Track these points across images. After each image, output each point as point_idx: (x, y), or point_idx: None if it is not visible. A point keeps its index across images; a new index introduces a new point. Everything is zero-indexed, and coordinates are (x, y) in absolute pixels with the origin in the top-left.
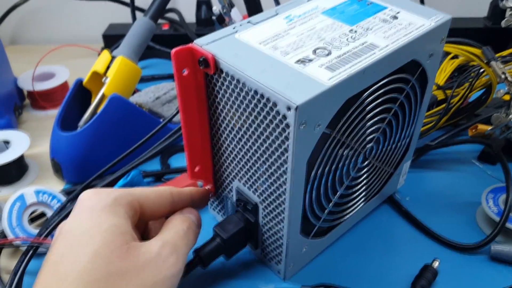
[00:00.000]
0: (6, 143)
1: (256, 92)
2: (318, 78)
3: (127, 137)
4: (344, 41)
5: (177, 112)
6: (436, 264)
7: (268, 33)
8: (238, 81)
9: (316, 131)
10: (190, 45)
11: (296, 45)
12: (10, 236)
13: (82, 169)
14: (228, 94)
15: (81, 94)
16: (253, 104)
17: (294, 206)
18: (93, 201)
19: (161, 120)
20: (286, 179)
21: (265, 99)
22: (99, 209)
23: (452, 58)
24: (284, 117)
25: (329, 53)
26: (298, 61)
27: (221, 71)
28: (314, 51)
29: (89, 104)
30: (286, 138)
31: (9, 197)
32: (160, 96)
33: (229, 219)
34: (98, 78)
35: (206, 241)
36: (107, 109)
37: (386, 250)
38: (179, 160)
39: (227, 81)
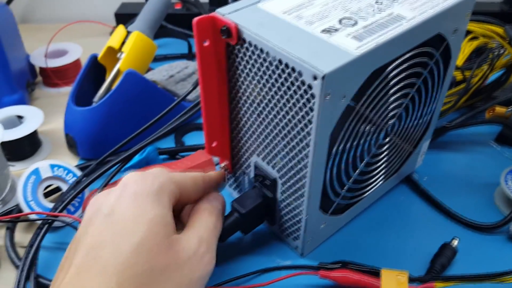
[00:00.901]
0: (20, 118)
1: (280, 62)
2: (345, 47)
3: (142, 114)
4: (370, 11)
5: (192, 89)
6: (455, 242)
7: (292, 3)
8: (261, 50)
9: (341, 103)
10: (212, 14)
11: (321, 15)
12: (25, 210)
13: (97, 144)
14: (250, 65)
15: (95, 70)
16: (276, 74)
17: (314, 181)
18: (139, 186)
19: (175, 98)
20: (308, 152)
21: (289, 68)
22: (145, 196)
23: (471, 39)
24: (309, 87)
25: (355, 23)
26: (324, 31)
27: (244, 41)
28: (340, 21)
29: (103, 80)
30: (311, 109)
31: (23, 172)
32: (174, 75)
33: (247, 195)
34: (113, 53)
35: (225, 216)
36: (122, 84)
37: (404, 229)
38: (193, 138)
39: (249, 51)
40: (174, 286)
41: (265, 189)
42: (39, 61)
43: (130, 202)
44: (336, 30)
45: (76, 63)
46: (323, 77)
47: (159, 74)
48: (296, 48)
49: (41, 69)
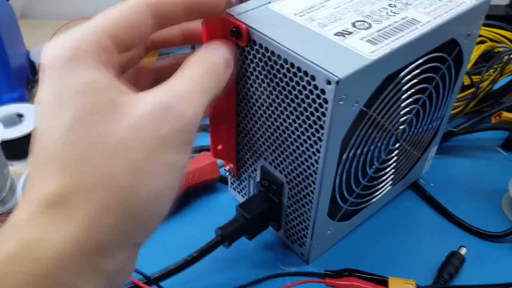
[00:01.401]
0: (20, 116)
1: (292, 65)
2: (360, 51)
3: None
4: (384, 15)
5: None
6: (463, 251)
7: (304, 4)
8: (272, 53)
9: (354, 109)
10: (222, 14)
11: (333, 17)
12: None
13: None
14: (260, 67)
15: None
16: (287, 78)
17: (323, 188)
18: (50, 57)
19: None
20: (318, 158)
21: (302, 72)
22: (61, 67)
23: (478, 43)
24: (322, 91)
25: (369, 27)
26: (337, 34)
27: (254, 43)
28: (354, 24)
29: None
30: (323, 114)
31: (22, 171)
32: None
33: (252, 199)
34: None
35: (230, 221)
36: None
37: (410, 236)
38: (198, 140)
39: (260, 53)
40: (142, 147)
41: (271, 194)
42: (39, 58)
43: (50, 80)
44: (350, 33)
45: None
46: (338, 82)
47: None
48: (309, 51)
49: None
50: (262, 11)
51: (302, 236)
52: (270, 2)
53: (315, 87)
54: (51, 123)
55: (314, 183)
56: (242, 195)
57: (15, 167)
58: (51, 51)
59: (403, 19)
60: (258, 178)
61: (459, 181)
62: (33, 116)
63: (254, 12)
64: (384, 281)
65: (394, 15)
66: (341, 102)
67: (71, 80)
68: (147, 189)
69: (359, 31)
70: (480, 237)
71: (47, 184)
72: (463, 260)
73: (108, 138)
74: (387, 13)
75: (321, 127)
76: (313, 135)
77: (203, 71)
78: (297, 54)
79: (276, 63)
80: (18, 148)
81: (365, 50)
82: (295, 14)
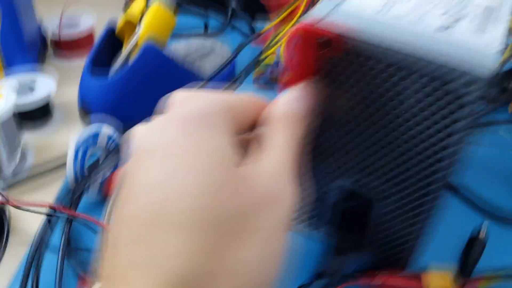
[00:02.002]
0: (31, 88)
1: (410, 71)
2: (477, 45)
3: (160, 90)
4: (460, 5)
5: (219, 71)
6: (483, 234)
7: (376, 2)
8: (378, 60)
9: (482, 110)
10: (306, 23)
11: (421, 11)
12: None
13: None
14: (356, 76)
15: (110, 43)
16: (402, 85)
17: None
18: (187, 108)
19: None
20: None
21: (425, 78)
22: (197, 123)
23: None
24: (458, 94)
25: (463, 18)
26: (439, 29)
27: (349, 50)
28: (446, 16)
29: (117, 54)
30: (453, 121)
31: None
32: (191, 53)
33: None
34: (131, 27)
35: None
36: (141, 58)
37: None
38: None
39: (357, 62)
40: (262, 228)
41: (357, 214)
42: (51, 32)
43: (179, 130)
44: (451, 27)
45: (89, 34)
46: (477, 81)
47: (175, 52)
48: (428, 51)
49: (52, 40)
50: (342, 15)
51: (396, 253)
52: (342, 2)
53: (446, 92)
54: (179, 175)
55: (427, 201)
56: (312, 219)
57: (25, 137)
58: (189, 102)
59: (481, 7)
60: (339, 199)
61: (474, 165)
62: (45, 87)
63: (335, 17)
64: (417, 276)
65: (470, 5)
66: (476, 104)
67: (205, 139)
68: (271, 273)
69: (457, 23)
70: (501, 221)
71: (177, 256)
72: (484, 244)
73: (237, 212)
74: (463, 2)
75: (448, 135)
76: (433, 145)
77: (289, 142)
78: (416, 56)
79: (384, 70)
80: (29, 119)
81: (481, 43)
82: (377, 14)
